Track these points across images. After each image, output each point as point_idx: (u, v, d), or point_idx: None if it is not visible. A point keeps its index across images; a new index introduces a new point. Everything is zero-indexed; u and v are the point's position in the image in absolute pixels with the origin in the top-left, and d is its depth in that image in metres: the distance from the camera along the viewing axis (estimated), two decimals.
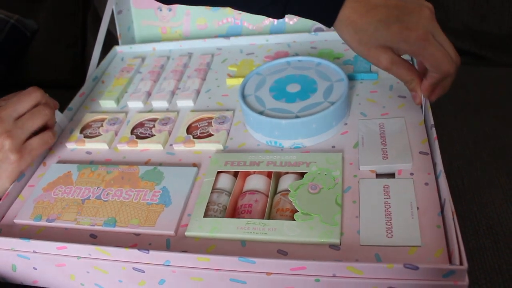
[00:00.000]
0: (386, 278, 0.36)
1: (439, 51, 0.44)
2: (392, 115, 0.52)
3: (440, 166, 0.42)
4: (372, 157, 0.47)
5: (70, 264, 0.44)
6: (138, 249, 0.40)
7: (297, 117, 0.49)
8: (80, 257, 0.43)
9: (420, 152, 0.46)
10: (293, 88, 0.54)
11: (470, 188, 0.54)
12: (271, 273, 0.38)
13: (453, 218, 0.37)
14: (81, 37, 0.98)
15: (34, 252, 0.45)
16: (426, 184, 0.43)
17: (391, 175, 0.45)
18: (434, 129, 0.46)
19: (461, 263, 0.34)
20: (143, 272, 0.42)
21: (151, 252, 0.40)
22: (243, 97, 0.54)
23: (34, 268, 0.47)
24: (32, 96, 0.52)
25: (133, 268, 0.42)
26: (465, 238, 0.49)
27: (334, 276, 0.37)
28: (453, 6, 0.74)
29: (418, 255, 0.38)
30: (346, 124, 0.52)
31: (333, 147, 0.50)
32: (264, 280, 0.39)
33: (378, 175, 0.46)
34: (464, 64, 0.72)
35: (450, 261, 0.36)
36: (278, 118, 0.49)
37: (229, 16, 0.74)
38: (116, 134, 0.59)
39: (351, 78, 0.58)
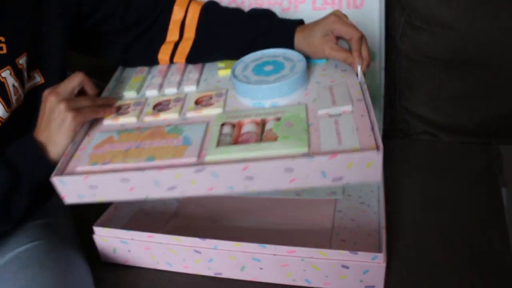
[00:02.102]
0: (340, 259, 0.65)
1: (347, 24, 0.70)
2: (338, 82, 0.72)
3: (370, 107, 0.63)
4: (325, 104, 0.66)
5: (154, 247, 0.73)
6: (198, 238, 0.69)
7: (273, 83, 0.69)
8: (162, 243, 0.72)
9: (357, 100, 0.66)
10: (268, 67, 0.73)
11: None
12: (276, 254, 0.67)
13: (378, 131, 0.58)
14: None
15: (132, 239, 0.73)
16: (362, 116, 0.62)
17: (339, 115, 0.64)
18: (365, 85, 0.67)
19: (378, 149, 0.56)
20: (200, 253, 0.71)
21: (206, 240, 0.69)
22: (234, 75, 0.73)
23: (128, 250, 0.75)
24: (76, 76, 0.68)
25: (194, 250, 0.71)
26: None
27: (311, 257, 0.66)
28: (416, 96, 1.04)
29: (359, 151, 0.56)
30: (306, 89, 0.71)
31: (299, 103, 0.68)
32: (271, 258, 0.67)
33: (331, 116, 0.64)
34: (423, 140, 1.01)
35: (377, 147, 0.56)
36: (260, 84, 0.69)
37: None
38: (141, 111, 0.74)
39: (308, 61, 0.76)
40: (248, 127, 0.65)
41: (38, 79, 0.73)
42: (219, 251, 0.69)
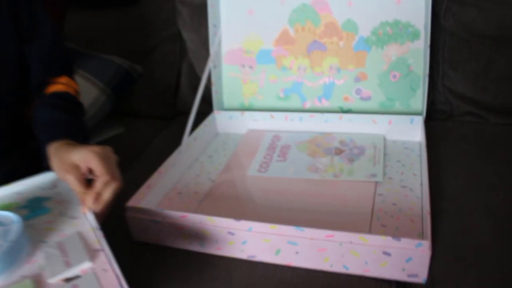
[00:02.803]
0: (381, 246, 0.61)
1: (106, 163, 0.64)
2: (69, 234, 0.62)
3: (110, 257, 0.57)
4: (57, 269, 0.56)
5: (186, 228, 0.71)
6: (232, 219, 0.66)
7: None
8: (195, 223, 0.70)
9: (96, 251, 0.58)
10: None
11: None
12: (313, 238, 0.64)
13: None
14: (176, 81, 1.26)
15: (164, 219, 0.71)
16: (105, 270, 0.55)
17: (78, 277, 0.55)
18: (101, 232, 0.61)
19: None
20: (233, 234, 0.68)
21: (240, 221, 0.66)
22: None
23: (160, 230, 0.73)
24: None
25: (227, 232, 0.68)
26: None
27: (351, 242, 0.62)
28: (461, 76, 0.98)
29: None
30: (31, 255, 0.59)
31: (23, 277, 0.56)
32: (307, 242, 0.64)
33: (68, 280, 0.54)
34: (468, 122, 0.96)
35: None
36: None
37: (293, 75, 1.02)
38: None
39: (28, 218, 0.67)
40: None
41: None
42: (254, 233, 0.67)
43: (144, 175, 0.81)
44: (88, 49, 1.23)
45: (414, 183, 0.80)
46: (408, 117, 0.92)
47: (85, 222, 0.65)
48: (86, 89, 1.13)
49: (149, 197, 0.78)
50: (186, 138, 0.92)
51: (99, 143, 0.99)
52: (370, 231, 0.70)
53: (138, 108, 1.27)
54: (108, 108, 1.19)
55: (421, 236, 0.67)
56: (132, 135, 1.18)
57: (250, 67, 1.06)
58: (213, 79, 1.05)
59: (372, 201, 0.76)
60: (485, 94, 0.95)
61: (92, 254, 0.58)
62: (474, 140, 0.91)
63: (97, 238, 0.61)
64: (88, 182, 0.66)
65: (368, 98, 1.00)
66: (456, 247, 0.67)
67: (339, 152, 0.92)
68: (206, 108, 1.06)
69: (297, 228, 0.64)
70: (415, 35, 0.94)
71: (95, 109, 1.15)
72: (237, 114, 1.05)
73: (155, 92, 1.26)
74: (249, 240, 0.68)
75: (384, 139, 0.94)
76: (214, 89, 1.06)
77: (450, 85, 0.98)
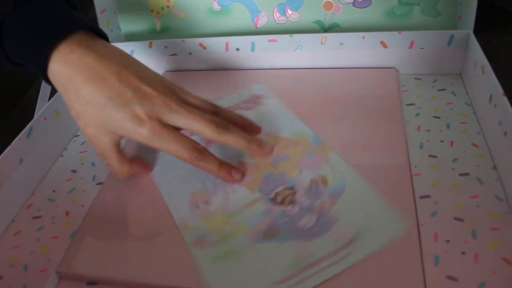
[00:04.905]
0: None
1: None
2: None
3: None
4: None
5: None
6: None
7: None
8: None
9: None
10: None
11: None
12: None
13: None
14: None
15: None
16: None
17: None
18: None
19: None
20: None
21: None
22: None
23: None
24: None
25: None
26: None
27: None
28: None
29: None
30: None
31: None
32: None
33: None
34: None
35: None
36: None
37: None
38: None
39: None
40: None
41: None
42: None
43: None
44: None
45: (481, 163, 0.42)
46: (444, 34, 0.52)
47: None
48: None
49: None
50: (39, 110, 0.50)
51: None
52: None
53: None
54: None
55: None
56: None
57: None
58: None
59: (413, 215, 0.38)
60: None
61: None
62: None
63: None
64: None
65: (366, 3, 0.58)
66: None
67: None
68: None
69: None
70: None
71: None
72: (142, 46, 0.62)
73: None
74: None
75: (398, 74, 0.55)
76: (97, 4, 0.62)
77: None
